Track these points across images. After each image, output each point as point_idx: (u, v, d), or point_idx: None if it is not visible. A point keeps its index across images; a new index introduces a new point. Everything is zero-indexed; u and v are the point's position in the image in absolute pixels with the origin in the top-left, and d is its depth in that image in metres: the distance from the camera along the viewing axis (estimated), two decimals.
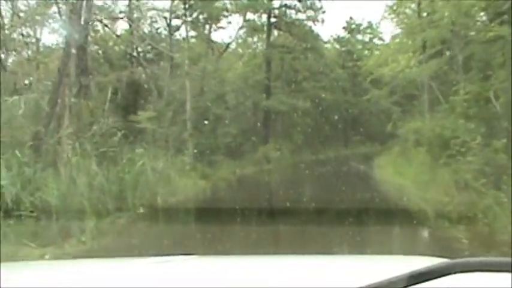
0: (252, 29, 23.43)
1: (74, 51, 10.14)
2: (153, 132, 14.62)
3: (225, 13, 21.06)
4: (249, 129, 21.62)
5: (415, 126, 15.94)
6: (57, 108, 9.34)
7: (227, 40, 22.47)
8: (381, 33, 27.70)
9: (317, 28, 23.91)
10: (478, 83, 12.56)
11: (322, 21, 23.21)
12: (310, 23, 23.44)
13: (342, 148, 26.16)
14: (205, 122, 17.39)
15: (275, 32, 24.04)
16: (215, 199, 12.66)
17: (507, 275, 0.96)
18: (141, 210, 9.33)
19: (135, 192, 9.64)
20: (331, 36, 28.19)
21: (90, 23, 12.64)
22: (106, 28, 17.72)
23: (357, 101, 26.49)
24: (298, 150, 22.53)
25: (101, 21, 15.08)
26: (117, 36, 16.63)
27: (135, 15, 18.42)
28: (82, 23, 10.98)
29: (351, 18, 28.08)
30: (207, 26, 21.09)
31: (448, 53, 16.15)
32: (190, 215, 9.92)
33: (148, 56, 18.94)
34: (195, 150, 16.01)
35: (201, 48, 20.27)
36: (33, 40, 16.40)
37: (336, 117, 26.21)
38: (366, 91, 24.13)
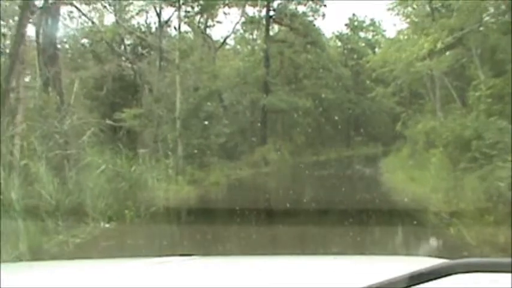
0: (250, 22, 22.39)
1: (38, 38, 8.67)
2: (135, 131, 13.13)
3: (222, 5, 20.06)
4: (246, 128, 20.47)
5: (428, 126, 14.40)
6: (9, 100, 7.83)
7: (224, 35, 21.35)
8: (384, 30, 26.74)
9: (319, 25, 23.09)
10: (500, 77, 11.29)
11: (323, 15, 22.36)
12: (311, 17, 22.51)
13: (346, 149, 24.88)
14: (198, 120, 15.89)
15: (275, 27, 22.95)
16: (204, 208, 10.74)
17: (507, 275, 0.96)
18: (105, 225, 7.73)
19: (100, 204, 8.00)
20: (333, 33, 27.20)
21: (62, 12, 11.20)
22: (93, 20, 16.63)
23: (360, 99, 25.34)
24: (298, 151, 21.28)
25: (76, 7, 13.58)
26: (93, 22, 15.14)
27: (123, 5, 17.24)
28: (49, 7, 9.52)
29: (353, 15, 27.07)
30: (202, 19, 20.04)
31: (463, 46, 14.85)
32: (170, 230, 8.28)
33: (137, 49, 17.62)
34: (195, 151, 14.57)
35: (195, 42, 19.02)
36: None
37: (337, 117, 25.04)
38: (369, 89, 23.05)
